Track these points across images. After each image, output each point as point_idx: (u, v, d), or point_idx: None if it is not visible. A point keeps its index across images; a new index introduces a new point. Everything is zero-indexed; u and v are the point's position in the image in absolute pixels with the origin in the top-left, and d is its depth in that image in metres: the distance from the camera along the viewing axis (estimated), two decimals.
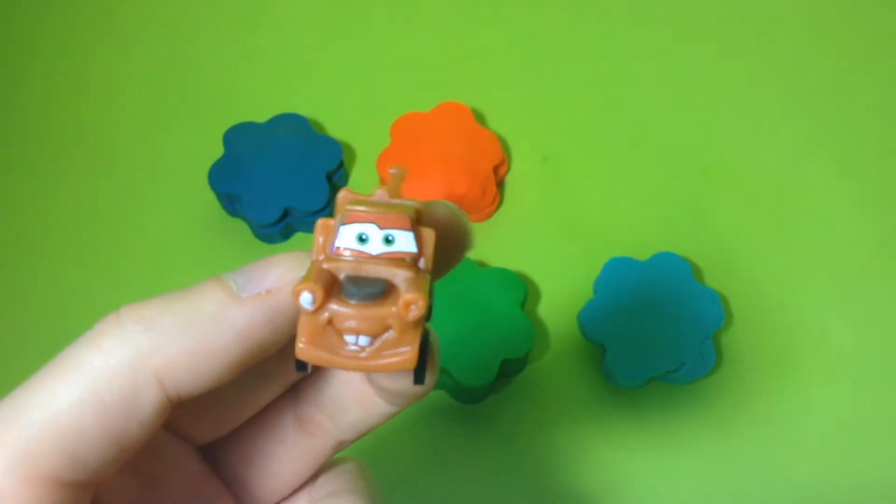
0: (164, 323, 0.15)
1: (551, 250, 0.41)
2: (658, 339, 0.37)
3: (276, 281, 0.16)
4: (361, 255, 0.16)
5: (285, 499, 0.21)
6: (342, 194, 0.16)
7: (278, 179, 0.40)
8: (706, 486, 0.36)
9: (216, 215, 0.42)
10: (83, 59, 0.47)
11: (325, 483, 0.20)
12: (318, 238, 0.16)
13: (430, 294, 0.16)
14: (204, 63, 0.46)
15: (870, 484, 0.36)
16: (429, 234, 0.16)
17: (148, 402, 0.15)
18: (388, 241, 0.16)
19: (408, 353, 0.15)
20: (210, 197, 0.41)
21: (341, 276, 0.16)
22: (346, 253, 0.16)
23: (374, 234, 0.15)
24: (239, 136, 0.41)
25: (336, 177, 0.42)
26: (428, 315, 0.16)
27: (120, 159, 0.43)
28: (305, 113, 0.43)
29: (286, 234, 0.41)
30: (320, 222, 0.16)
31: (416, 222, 0.16)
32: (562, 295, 0.40)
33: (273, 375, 0.20)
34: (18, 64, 0.47)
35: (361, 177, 0.43)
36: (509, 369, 0.37)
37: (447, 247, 0.17)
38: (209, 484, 0.20)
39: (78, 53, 0.47)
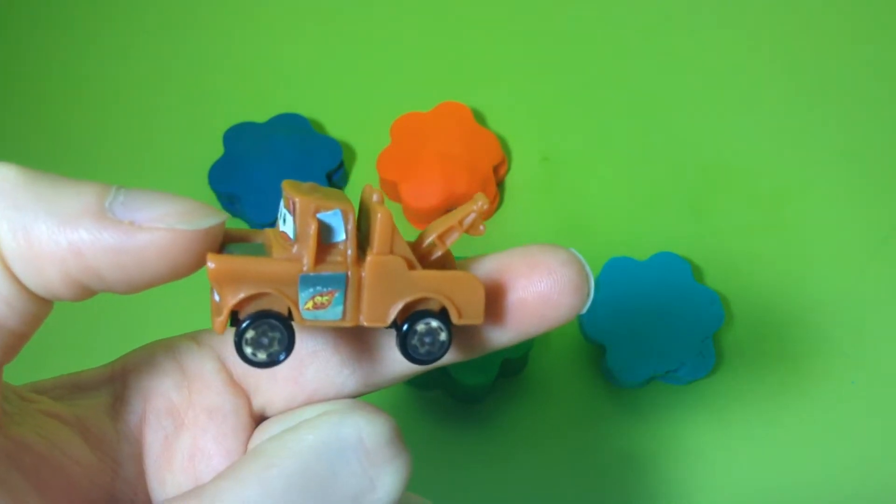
0: (23, 200, 0.15)
1: None
2: (658, 339, 0.37)
3: (150, 220, 0.15)
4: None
5: None
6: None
7: (278, 179, 0.40)
8: (706, 485, 0.36)
9: None
10: (83, 58, 0.47)
11: None
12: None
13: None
14: (204, 63, 0.46)
15: (870, 484, 0.36)
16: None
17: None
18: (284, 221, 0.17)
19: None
20: (210, 197, 0.41)
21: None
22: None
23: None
24: (239, 136, 0.41)
25: (336, 177, 0.42)
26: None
27: (120, 159, 0.43)
28: (305, 113, 0.43)
29: None
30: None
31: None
32: None
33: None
34: (18, 64, 0.47)
35: (361, 177, 0.43)
36: (509, 369, 0.37)
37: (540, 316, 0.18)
38: (230, 383, 0.20)
39: (78, 53, 0.47)
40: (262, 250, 0.17)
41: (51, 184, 0.15)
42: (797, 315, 0.39)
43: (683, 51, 0.47)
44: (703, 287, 0.38)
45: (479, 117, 0.44)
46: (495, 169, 0.41)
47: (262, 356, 0.16)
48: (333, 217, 0.16)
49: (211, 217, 0.16)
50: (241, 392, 0.20)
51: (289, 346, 0.17)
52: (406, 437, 0.23)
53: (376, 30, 0.48)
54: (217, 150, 0.41)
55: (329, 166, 0.41)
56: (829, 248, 0.41)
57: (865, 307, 0.40)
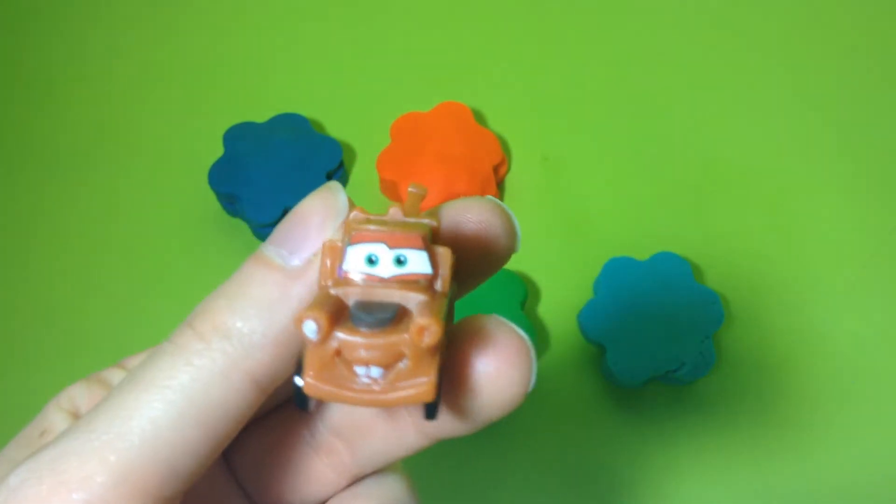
0: (242, 327, 0.15)
1: (551, 250, 0.41)
2: (658, 339, 0.37)
3: (318, 241, 0.16)
4: (372, 278, 0.14)
5: None
6: (353, 214, 0.15)
7: (278, 179, 0.40)
8: (706, 485, 0.36)
9: (216, 215, 0.42)
10: (82, 59, 0.47)
11: (363, 492, 0.19)
12: (325, 261, 0.15)
13: (450, 318, 0.15)
14: (204, 63, 0.46)
15: (870, 483, 0.36)
16: (445, 253, 0.15)
17: (245, 401, 0.16)
18: (399, 261, 0.14)
19: (424, 384, 0.14)
20: (210, 197, 0.41)
21: (350, 301, 0.14)
22: (356, 277, 0.14)
23: (384, 254, 0.14)
24: (239, 136, 0.41)
25: (336, 177, 0.42)
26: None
27: (120, 159, 0.43)
28: (305, 113, 0.43)
29: None
30: (326, 244, 0.15)
31: (431, 240, 0.15)
32: (562, 295, 0.40)
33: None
34: (18, 64, 0.47)
35: (361, 177, 0.43)
36: None
37: (483, 251, 0.16)
38: (230, 496, 0.20)
39: (77, 53, 0.47)
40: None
41: (236, 295, 0.16)
42: (797, 315, 0.39)
43: (683, 51, 0.47)
44: (703, 287, 0.38)
45: (479, 117, 0.44)
46: (495, 169, 0.41)
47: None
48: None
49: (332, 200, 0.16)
50: None
51: None
52: None
53: (376, 30, 0.48)
54: (217, 150, 0.41)
55: (329, 166, 0.41)
56: (830, 248, 0.41)
57: (865, 307, 0.40)
